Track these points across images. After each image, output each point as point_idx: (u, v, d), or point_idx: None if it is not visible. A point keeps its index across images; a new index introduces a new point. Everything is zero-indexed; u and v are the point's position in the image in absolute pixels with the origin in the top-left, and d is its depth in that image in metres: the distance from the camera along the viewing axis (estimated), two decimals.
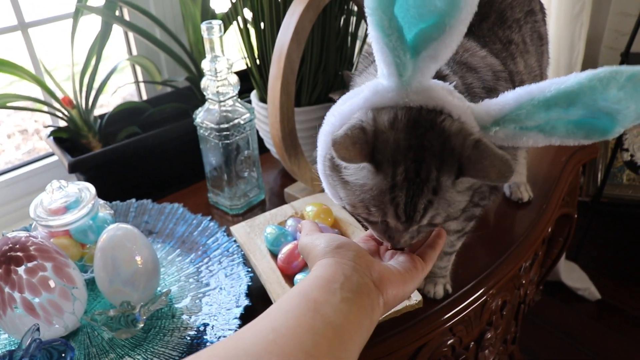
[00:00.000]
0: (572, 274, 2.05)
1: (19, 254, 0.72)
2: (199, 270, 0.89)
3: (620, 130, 0.51)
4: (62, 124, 1.27)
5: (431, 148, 0.53)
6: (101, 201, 0.91)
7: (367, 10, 0.51)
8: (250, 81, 1.14)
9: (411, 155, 0.53)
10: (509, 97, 0.54)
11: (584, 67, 2.03)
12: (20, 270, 0.72)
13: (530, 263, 1.05)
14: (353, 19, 1.11)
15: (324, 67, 1.06)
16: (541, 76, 0.90)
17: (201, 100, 1.32)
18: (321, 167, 0.62)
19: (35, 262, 0.73)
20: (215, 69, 0.94)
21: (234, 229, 0.91)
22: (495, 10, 0.80)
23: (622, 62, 2.15)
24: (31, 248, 0.74)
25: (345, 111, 0.57)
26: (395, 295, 0.56)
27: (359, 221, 0.64)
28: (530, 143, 0.54)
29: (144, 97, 1.50)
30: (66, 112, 1.22)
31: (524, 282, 1.04)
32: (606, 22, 2.09)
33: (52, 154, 1.38)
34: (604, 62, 2.26)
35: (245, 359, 0.42)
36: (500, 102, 0.54)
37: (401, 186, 0.53)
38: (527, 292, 1.10)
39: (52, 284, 0.74)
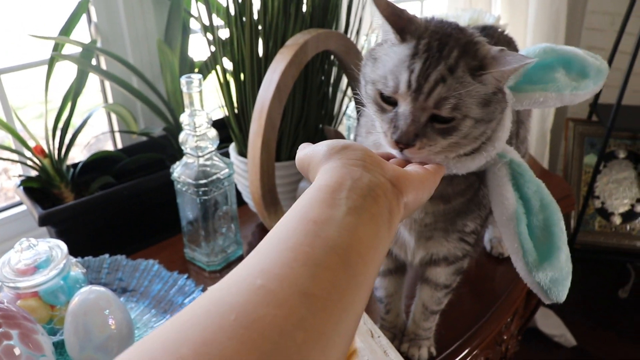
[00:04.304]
0: (547, 321, 2.07)
1: None
2: None
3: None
4: (33, 172, 1.23)
5: (458, 40, 0.58)
6: (73, 259, 0.88)
7: None
8: (228, 130, 1.12)
9: (437, 37, 0.57)
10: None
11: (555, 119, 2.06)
12: None
13: (511, 318, 1.04)
14: (334, 73, 1.11)
15: (305, 122, 1.05)
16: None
17: (178, 150, 1.30)
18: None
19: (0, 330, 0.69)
20: (194, 123, 0.92)
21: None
22: None
23: (590, 113, 2.20)
24: None
25: None
26: (415, 198, 0.49)
27: None
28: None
29: (119, 146, 1.47)
30: (38, 161, 1.18)
31: (505, 337, 1.02)
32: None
33: (20, 203, 1.33)
34: (574, 110, 2.31)
35: (230, 316, 0.33)
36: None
37: (420, 56, 0.56)
38: (509, 347, 1.08)
39: (17, 351, 0.69)
